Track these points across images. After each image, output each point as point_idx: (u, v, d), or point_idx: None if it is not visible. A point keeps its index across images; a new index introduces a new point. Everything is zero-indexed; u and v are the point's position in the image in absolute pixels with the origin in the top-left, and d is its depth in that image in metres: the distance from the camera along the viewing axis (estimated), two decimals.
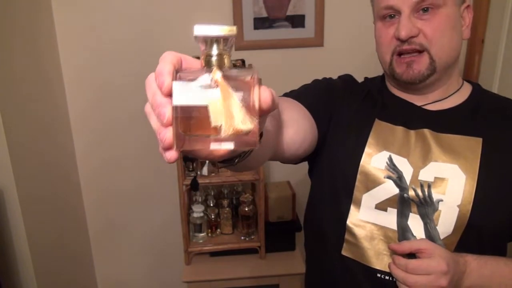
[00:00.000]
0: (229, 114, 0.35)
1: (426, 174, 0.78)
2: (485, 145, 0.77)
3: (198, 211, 1.68)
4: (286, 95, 0.87)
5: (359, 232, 0.81)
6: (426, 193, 0.77)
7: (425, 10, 0.77)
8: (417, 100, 0.86)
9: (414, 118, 0.84)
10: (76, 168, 1.88)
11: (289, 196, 1.69)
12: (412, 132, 0.82)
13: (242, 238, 1.71)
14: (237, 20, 1.70)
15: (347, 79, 0.96)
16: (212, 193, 1.77)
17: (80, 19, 1.69)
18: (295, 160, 0.83)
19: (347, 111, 0.88)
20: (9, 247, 1.36)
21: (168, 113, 0.35)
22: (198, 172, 1.62)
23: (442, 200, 0.76)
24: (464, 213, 0.74)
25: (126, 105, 1.81)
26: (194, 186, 1.57)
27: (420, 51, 0.78)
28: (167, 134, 0.36)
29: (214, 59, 0.38)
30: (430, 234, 0.77)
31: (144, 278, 2.08)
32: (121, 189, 1.92)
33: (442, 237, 0.76)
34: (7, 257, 1.36)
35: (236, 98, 0.35)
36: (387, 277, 0.79)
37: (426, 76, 0.79)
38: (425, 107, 0.85)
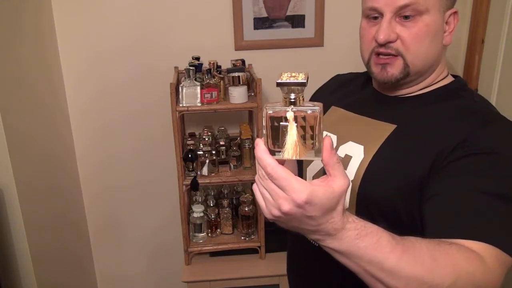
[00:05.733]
0: (287, 144, 0.55)
1: (341, 151, 0.87)
2: (396, 131, 0.82)
3: (198, 211, 1.68)
4: None
5: None
6: None
7: (407, 17, 0.79)
8: (389, 93, 0.91)
9: (367, 104, 0.91)
10: (76, 167, 1.88)
11: None
12: (353, 114, 0.91)
13: (242, 238, 1.71)
14: (237, 20, 1.71)
15: (332, 79, 1.11)
16: (212, 193, 1.77)
17: (80, 17, 1.69)
18: None
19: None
20: (9, 246, 1.36)
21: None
22: (198, 172, 1.62)
23: None
24: (354, 187, 0.81)
25: (126, 104, 1.81)
26: (194, 186, 1.57)
27: (395, 55, 0.82)
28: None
29: (290, 101, 0.55)
30: None
31: (144, 278, 2.08)
32: (121, 189, 1.92)
33: None
34: (6, 256, 1.36)
35: (294, 134, 0.55)
36: (313, 242, 0.84)
37: (398, 79, 0.83)
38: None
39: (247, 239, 1.71)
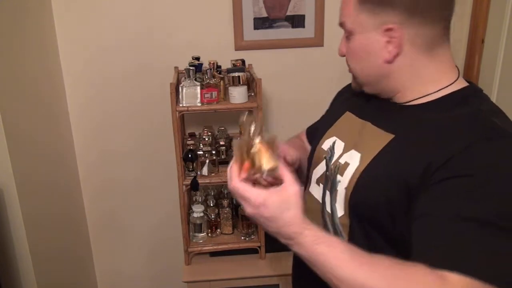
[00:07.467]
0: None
1: (343, 158, 0.88)
2: (393, 140, 0.80)
3: (198, 211, 1.68)
4: (308, 128, 1.17)
5: (308, 201, 0.96)
6: (335, 174, 0.87)
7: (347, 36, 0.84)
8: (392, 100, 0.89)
9: (374, 111, 0.90)
10: (76, 167, 1.88)
11: None
12: (361, 121, 0.91)
13: (242, 238, 1.71)
14: (237, 20, 1.71)
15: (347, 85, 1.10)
16: (212, 193, 1.77)
17: (80, 17, 1.70)
18: None
19: (333, 107, 1.08)
20: (9, 245, 1.36)
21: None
22: (198, 172, 1.62)
23: (340, 182, 0.85)
24: (347, 194, 0.83)
25: (126, 104, 1.81)
26: (194, 186, 1.57)
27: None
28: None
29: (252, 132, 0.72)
30: (333, 210, 0.87)
31: (144, 277, 2.08)
32: (121, 189, 1.92)
33: (339, 215, 0.85)
34: (6, 255, 1.36)
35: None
36: None
37: (358, 88, 0.89)
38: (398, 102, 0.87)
39: (247, 239, 1.71)
